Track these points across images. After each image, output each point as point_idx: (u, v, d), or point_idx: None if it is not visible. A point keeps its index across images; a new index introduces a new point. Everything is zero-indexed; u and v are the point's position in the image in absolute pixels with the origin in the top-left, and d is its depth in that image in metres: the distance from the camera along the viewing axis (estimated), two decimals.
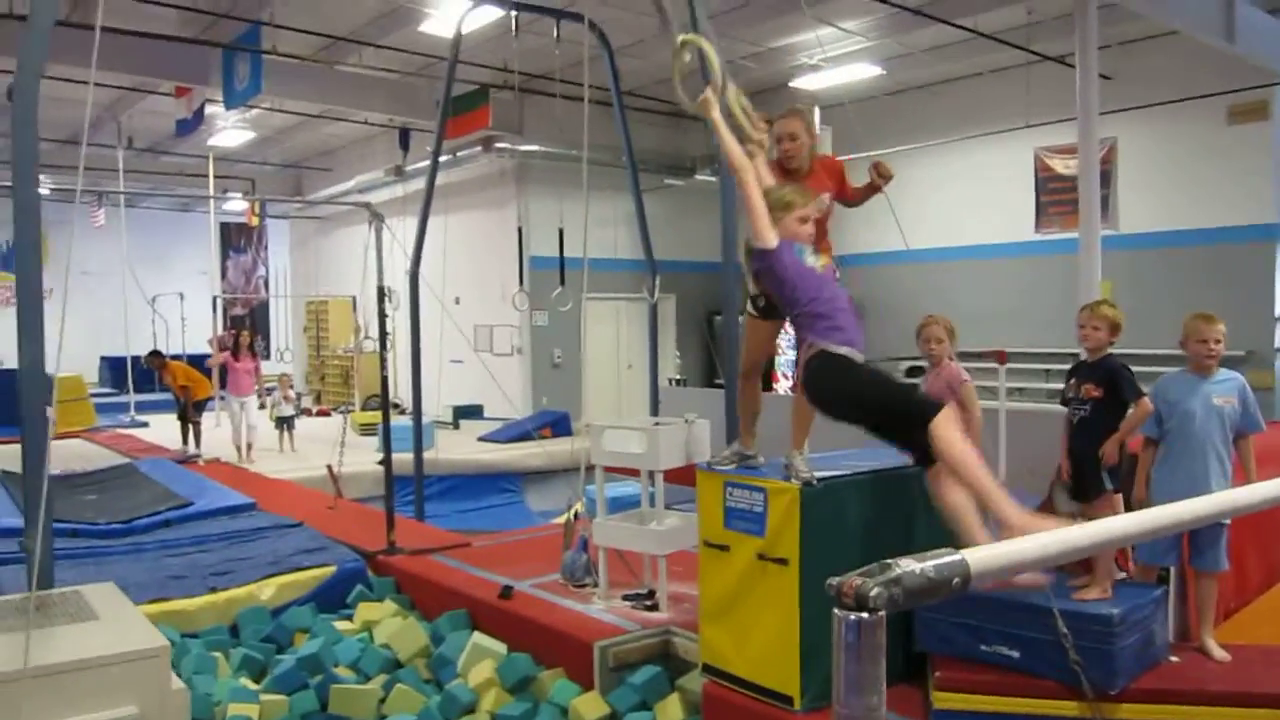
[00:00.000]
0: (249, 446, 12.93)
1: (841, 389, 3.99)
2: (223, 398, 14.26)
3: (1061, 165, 13.93)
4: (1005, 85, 14.09)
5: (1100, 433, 4.52)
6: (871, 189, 5.07)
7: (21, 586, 4.18)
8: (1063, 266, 11.39)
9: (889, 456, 5.06)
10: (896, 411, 3.91)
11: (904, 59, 13.92)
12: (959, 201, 15.23)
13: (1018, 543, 1.16)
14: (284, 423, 13.67)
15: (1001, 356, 8.81)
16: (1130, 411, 4.54)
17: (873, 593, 0.98)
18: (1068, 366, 4.93)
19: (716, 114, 4.29)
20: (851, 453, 5.21)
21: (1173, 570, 4.68)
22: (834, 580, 1.01)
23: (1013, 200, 14.61)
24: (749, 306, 4.90)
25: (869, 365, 4.09)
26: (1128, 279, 11.74)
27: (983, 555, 1.09)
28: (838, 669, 1.00)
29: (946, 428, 3.71)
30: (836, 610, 1.00)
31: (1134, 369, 4.65)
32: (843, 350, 3.96)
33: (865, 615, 0.98)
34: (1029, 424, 8.12)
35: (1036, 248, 14.30)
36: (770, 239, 4.04)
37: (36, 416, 3.78)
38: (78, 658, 3.00)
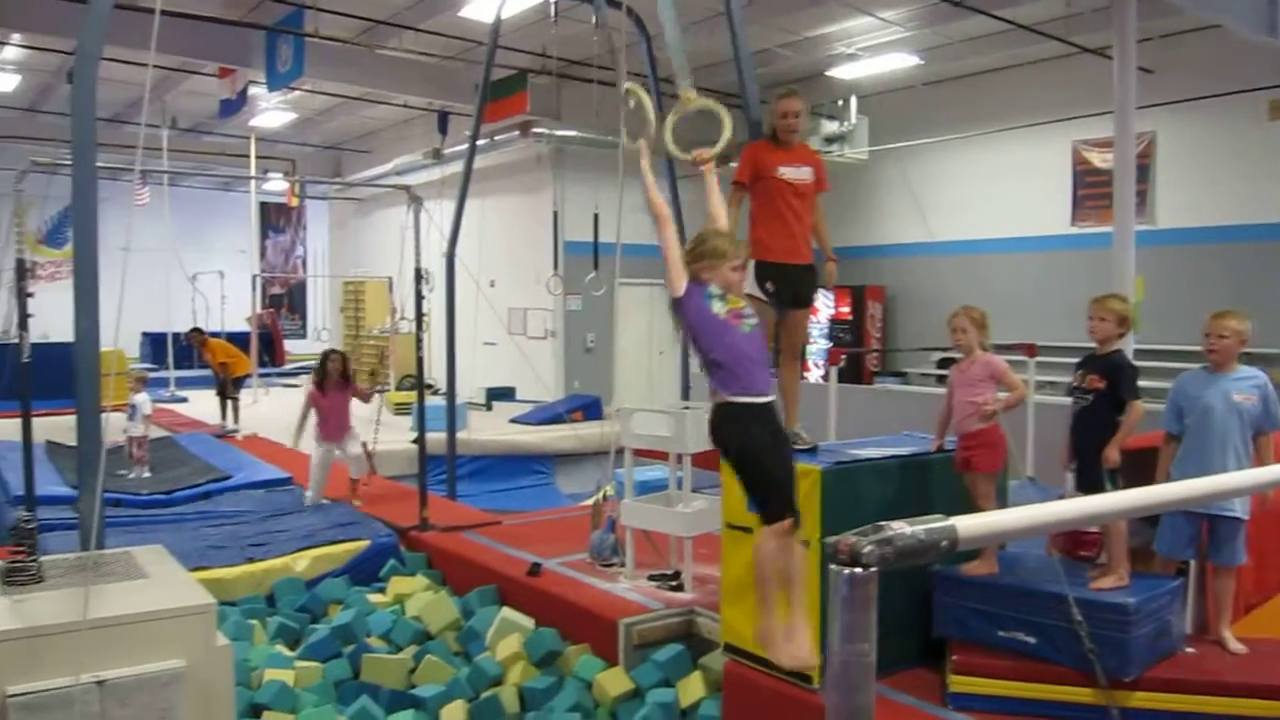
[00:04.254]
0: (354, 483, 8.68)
1: (735, 440, 3.98)
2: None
3: (1099, 159, 13.85)
4: (1044, 77, 14.01)
5: (1098, 426, 4.53)
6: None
7: (73, 550, 4.37)
8: (1098, 261, 11.31)
9: (913, 443, 5.17)
10: (771, 490, 3.95)
11: (942, 49, 13.87)
12: (995, 194, 15.17)
13: (1007, 513, 1.25)
14: None
15: (1031, 350, 8.85)
16: (1127, 413, 4.50)
17: (865, 550, 1.09)
18: (1078, 362, 4.94)
19: (646, 164, 4.43)
20: (879, 439, 5.31)
21: (1192, 564, 4.74)
22: (831, 539, 1.12)
23: (1049, 194, 14.54)
24: (757, 293, 4.99)
25: (776, 430, 4.07)
26: (1164, 275, 11.67)
27: (971, 523, 1.19)
28: (832, 619, 1.10)
29: (777, 536, 3.90)
30: (832, 565, 1.10)
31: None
32: (740, 399, 3.94)
33: (859, 570, 1.09)
34: (1057, 417, 8.13)
35: (1072, 241, 14.23)
36: (680, 285, 4.03)
37: (90, 387, 3.94)
38: (130, 612, 3.16)
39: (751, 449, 3.93)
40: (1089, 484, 4.49)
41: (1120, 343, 4.67)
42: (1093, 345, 4.70)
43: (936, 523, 1.16)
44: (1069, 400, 4.83)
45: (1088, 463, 4.54)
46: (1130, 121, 8.31)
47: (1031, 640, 4.27)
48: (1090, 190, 14.15)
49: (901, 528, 1.12)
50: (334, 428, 8.51)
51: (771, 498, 3.92)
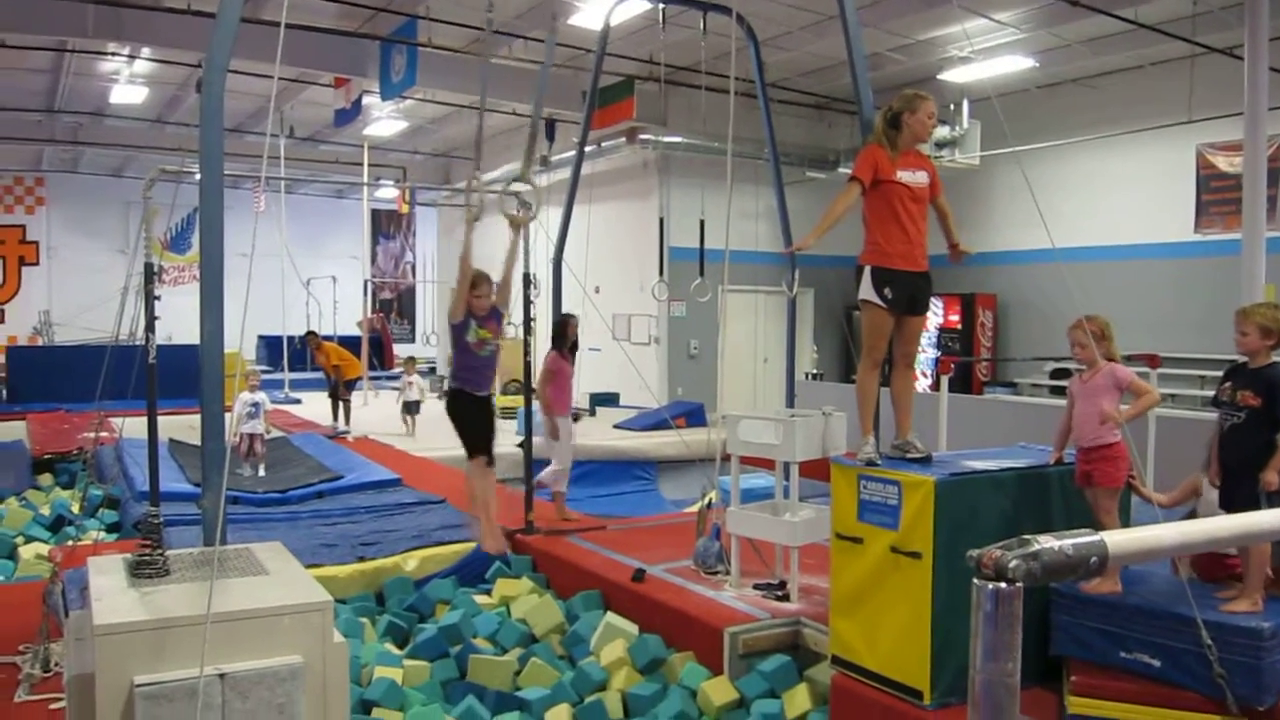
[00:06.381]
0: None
1: (457, 412, 7.04)
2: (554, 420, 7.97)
3: (1225, 163, 13.32)
4: (1166, 79, 13.55)
5: (1254, 445, 4.29)
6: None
7: (195, 545, 4.51)
8: (1223, 268, 10.92)
9: (1030, 456, 5.01)
10: (469, 441, 7.01)
11: (1059, 51, 13.51)
12: (1115, 199, 14.72)
13: (1160, 529, 1.18)
14: (410, 407, 13.95)
15: (1154, 361, 8.53)
16: None
17: (1011, 564, 1.03)
18: (1223, 372, 4.71)
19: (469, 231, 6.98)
20: (993, 451, 5.16)
21: None
22: (974, 552, 1.07)
23: (1171, 199, 14.04)
24: (874, 298, 4.88)
25: (482, 411, 7.06)
26: None
27: (1122, 539, 1.13)
28: (975, 635, 1.05)
29: (477, 466, 7.07)
30: (976, 580, 1.05)
31: None
32: (467, 390, 6.96)
33: (1004, 586, 1.04)
34: (1181, 431, 7.85)
35: (1195, 249, 13.73)
36: (458, 315, 6.83)
37: (214, 388, 4.06)
38: (252, 607, 3.24)
39: (462, 417, 7.00)
40: (1239, 505, 4.23)
41: (1272, 356, 4.40)
42: (1216, 356, 4.47)
43: (1084, 537, 1.10)
44: (1200, 413, 4.62)
45: (1238, 482, 4.29)
46: (1262, 123, 8.01)
47: (1156, 663, 4.09)
48: (1215, 195, 13.62)
49: (1048, 542, 1.07)
50: (568, 400, 8.03)
51: (471, 445, 7.00)
